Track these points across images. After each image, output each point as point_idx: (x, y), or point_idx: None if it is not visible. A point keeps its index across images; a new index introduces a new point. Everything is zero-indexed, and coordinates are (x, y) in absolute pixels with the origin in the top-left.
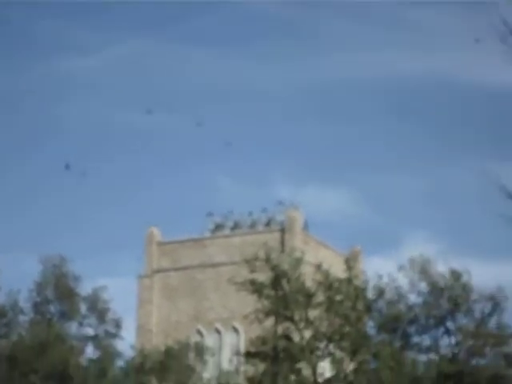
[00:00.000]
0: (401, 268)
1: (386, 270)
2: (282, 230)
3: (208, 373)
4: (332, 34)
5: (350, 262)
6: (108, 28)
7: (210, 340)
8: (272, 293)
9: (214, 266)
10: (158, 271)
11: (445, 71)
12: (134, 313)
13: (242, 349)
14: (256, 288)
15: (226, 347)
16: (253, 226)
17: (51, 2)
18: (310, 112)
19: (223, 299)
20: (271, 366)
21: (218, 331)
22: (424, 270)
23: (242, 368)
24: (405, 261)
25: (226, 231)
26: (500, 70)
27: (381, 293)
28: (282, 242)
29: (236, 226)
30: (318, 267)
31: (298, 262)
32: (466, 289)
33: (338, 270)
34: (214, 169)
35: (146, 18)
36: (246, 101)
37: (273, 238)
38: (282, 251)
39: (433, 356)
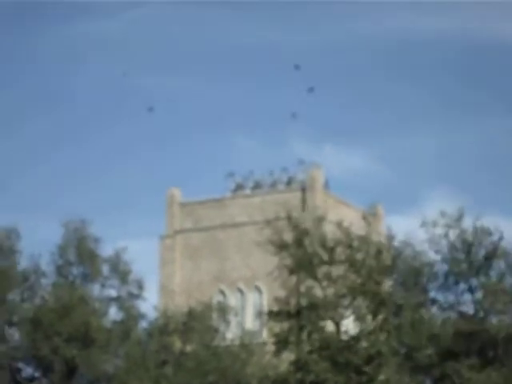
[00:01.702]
0: (424, 223)
1: (407, 228)
2: (303, 189)
3: (231, 333)
4: None
5: (368, 218)
6: None
7: (232, 300)
8: (295, 251)
9: (236, 225)
10: (180, 232)
11: (463, 29)
12: (156, 274)
13: (265, 308)
14: (279, 247)
15: (249, 307)
16: (273, 185)
17: None
18: (328, 72)
19: (245, 259)
20: (295, 323)
21: (240, 291)
22: (455, 225)
23: (265, 327)
24: (426, 218)
25: (247, 191)
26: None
27: (401, 251)
28: (303, 201)
29: (256, 186)
30: (339, 225)
31: (320, 220)
32: (495, 246)
33: (360, 228)
34: (233, 130)
35: None
36: (262, 62)
37: (294, 197)
38: (303, 210)
39: (452, 313)
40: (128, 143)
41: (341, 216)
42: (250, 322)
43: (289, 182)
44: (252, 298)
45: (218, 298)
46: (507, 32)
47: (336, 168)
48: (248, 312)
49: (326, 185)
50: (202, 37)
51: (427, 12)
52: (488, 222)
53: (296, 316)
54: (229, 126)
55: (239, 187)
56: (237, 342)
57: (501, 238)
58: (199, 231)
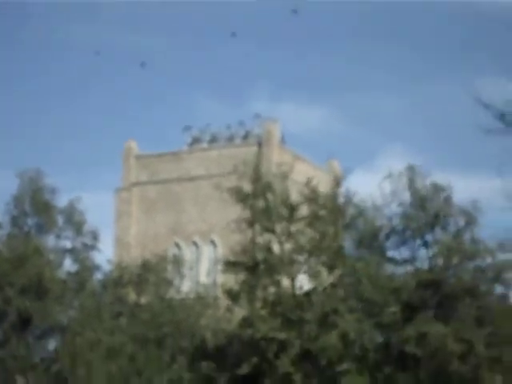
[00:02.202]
0: (386, 178)
1: (361, 183)
2: (260, 144)
3: (186, 286)
4: None
5: (338, 178)
6: None
7: (187, 253)
8: (255, 203)
9: (192, 179)
10: (136, 184)
11: None
12: (112, 227)
13: (221, 262)
14: (239, 197)
15: (204, 260)
16: (230, 139)
17: None
18: (290, 31)
19: (201, 212)
20: (250, 276)
21: (195, 244)
22: (410, 181)
23: (220, 278)
24: (383, 173)
25: (204, 145)
26: None
27: (361, 212)
28: (260, 156)
29: (213, 140)
30: (307, 182)
31: (284, 175)
32: (447, 202)
33: (317, 184)
34: (192, 86)
35: None
36: (224, 21)
37: (250, 152)
38: (260, 164)
39: (409, 268)
40: (86, 96)
41: (297, 171)
42: (205, 276)
43: (245, 137)
44: (207, 252)
45: (173, 250)
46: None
47: (294, 125)
48: (203, 265)
49: (282, 140)
50: None
51: None
52: (446, 178)
53: (252, 269)
54: (188, 83)
55: (196, 141)
56: (191, 295)
57: (450, 195)
58: (155, 184)
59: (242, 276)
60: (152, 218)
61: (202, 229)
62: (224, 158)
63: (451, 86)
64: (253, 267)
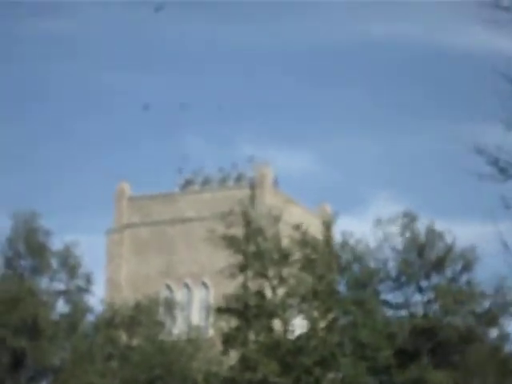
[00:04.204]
0: (377, 223)
1: (353, 228)
2: (253, 186)
3: (177, 328)
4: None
5: (329, 223)
6: None
7: (179, 295)
8: (246, 248)
9: (184, 221)
10: (128, 226)
11: (407, 34)
12: (103, 268)
13: (212, 304)
14: (230, 243)
15: (196, 302)
16: (223, 181)
17: None
18: (277, 74)
19: (193, 254)
20: (243, 322)
21: (187, 286)
22: (403, 226)
23: (211, 322)
24: (371, 219)
25: (196, 187)
26: (464, 31)
27: (356, 256)
28: (253, 198)
29: (206, 182)
30: (297, 226)
31: (276, 219)
32: (446, 249)
33: (309, 227)
34: (183, 128)
35: None
36: (215, 62)
37: (243, 194)
38: (253, 207)
39: (404, 313)
40: (79, 138)
41: (290, 214)
42: (197, 318)
43: (238, 179)
44: (198, 294)
45: (164, 292)
46: (448, 39)
47: (282, 167)
48: (194, 307)
49: (275, 182)
50: (156, 37)
51: (366, 16)
52: (431, 224)
53: (244, 314)
54: (178, 125)
55: (189, 183)
56: (183, 337)
57: (449, 242)
58: (147, 226)
59: (234, 321)
60: (144, 260)
61: (193, 271)
62: (217, 201)
63: (442, 132)
64: (245, 312)
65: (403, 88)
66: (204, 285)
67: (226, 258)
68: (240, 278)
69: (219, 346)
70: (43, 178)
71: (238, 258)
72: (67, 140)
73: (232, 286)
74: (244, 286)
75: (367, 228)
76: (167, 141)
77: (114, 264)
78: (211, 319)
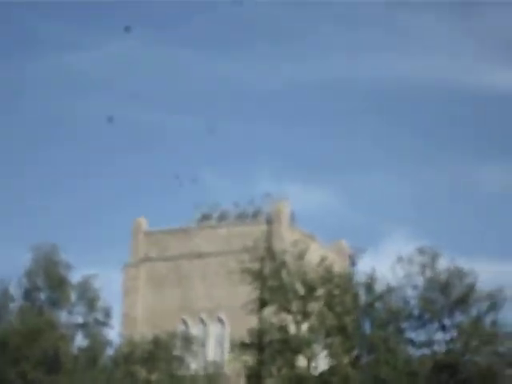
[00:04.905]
0: (399, 260)
1: (371, 265)
2: (269, 222)
3: (195, 363)
4: (319, 36)
5: (353, 259)
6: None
7: (195, 330)
8: (271, 283)
9: (201, 256)
10: (145, 260)
11: (433, 72)
12: (119, 302)
13: (227, 340)
14: (254, 277)
15: (211, 338)
16: (239, 217)
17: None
18: (296, 110)
19: (209, 289)
20: (268, 356)
21: (202, 321)
22: (424, 265)
23: (228, 358)
24: (389, 255)
25: (213, 222)
26: (490, 71)
27: (380, 295)
28: (269, 234)
29: (223, 217)
30: (322, 261)
31: (301, 253)
32: (470, 287)
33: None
34: (199, 163)
35: (142, 18)
36: (233, 99)
37: (259, 230)
38: (270, 243)
39: (426, 351)
40: (96, 172)
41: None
42: (212, 353)
43: (255, 215)
44: (214, 329)
45: (180, 327)
46: (473, 79)
47: (297, 203)
48: (210, 343)
49: (292, 218)
50: (172, 73)
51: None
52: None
53: (267, 349)
54: (194, 160)
55: (205, 218)
56: (201, 372)
57: (473, 281)
58: (164, 260)
59: (253, 356)
60: (160, 294)
61: (209, 306)
62: (233, 236)
63: (464, 170)
64: (268, 347)
65: (424, 122)
66: (220, 320)
67: (242, 294)
68: (258, 314)
69: (234, 382)
70: (62, 211)
71: (257, 293)
72: (85, 176)
73: (248, 322)
74: (265, 321)
75: (384, 264)
76: (183, 175)
77: (130, 298)
78: (227, 355)
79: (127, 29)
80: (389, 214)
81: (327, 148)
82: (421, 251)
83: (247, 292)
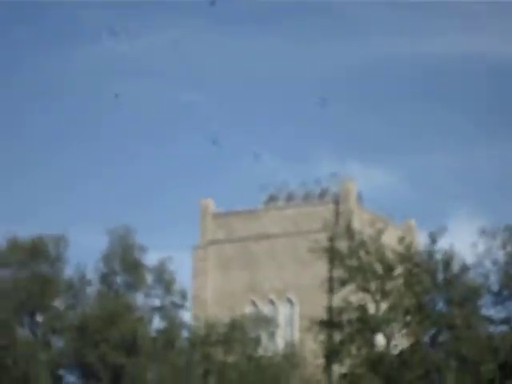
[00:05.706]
0: (482, 233)
1: (440, 244)
2: (337, 202)
3: (271, 344)
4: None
5: (434, 236)
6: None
7: (264, 311)
8: (350, 262)
9: (269, 237)
10: (213, 243)
11: (485, 51)
12: (188, 284)
13: (297, 320)
14: (334, 256)
15: (281, 318)
16: (306, 197)
17: None
18: (356, 93)
19: (277, 270)
20: (346, 336)
21: (272, 302)
22: (506, 240)
23: (297, 338)
24: (456, 235)
25: (280, 203)
26: None
27: (459, 272)
28: (337, 214)
29: (290, 198)
30: (401, 239)
31: (380, 232)
32: None
33: (393, 242)
34: (262, 146)
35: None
36: (298, 83)
37: (327, 210)
38: (337, 223)
39: (505, 328)
40: (163, 155)
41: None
42: (282, 333)
43: (322, 195)
44: (283, 310)
45: (249, 308)
46: None
47: (361, 184)
48: (280, 323)
49: (359, 198)
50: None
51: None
52: None
53: (346, 328)
54: (257, 143)
55: (272, 199)
56: (279, 354)
57: None
58: (232, 242)
59: (330, 336)
60: (228, 276)
61: (277, 287)
62: (300, 217)
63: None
64: (347, 326)
65: (480, 101)
66: (289, 301)
67: (310, 274)
68: (334, 293)
69: (311, 363)
70: (131, 194)
71: (334, 273)
72: (156, 159)
73: (317, 302)
74: (345, 301)
75: (454, 242)
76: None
77: (199, 280)
78: (297, 335)
79: (213, 2)
80: (450, 193)
81: (382, 130)
82: (505, 228)
83: (316, 272)
